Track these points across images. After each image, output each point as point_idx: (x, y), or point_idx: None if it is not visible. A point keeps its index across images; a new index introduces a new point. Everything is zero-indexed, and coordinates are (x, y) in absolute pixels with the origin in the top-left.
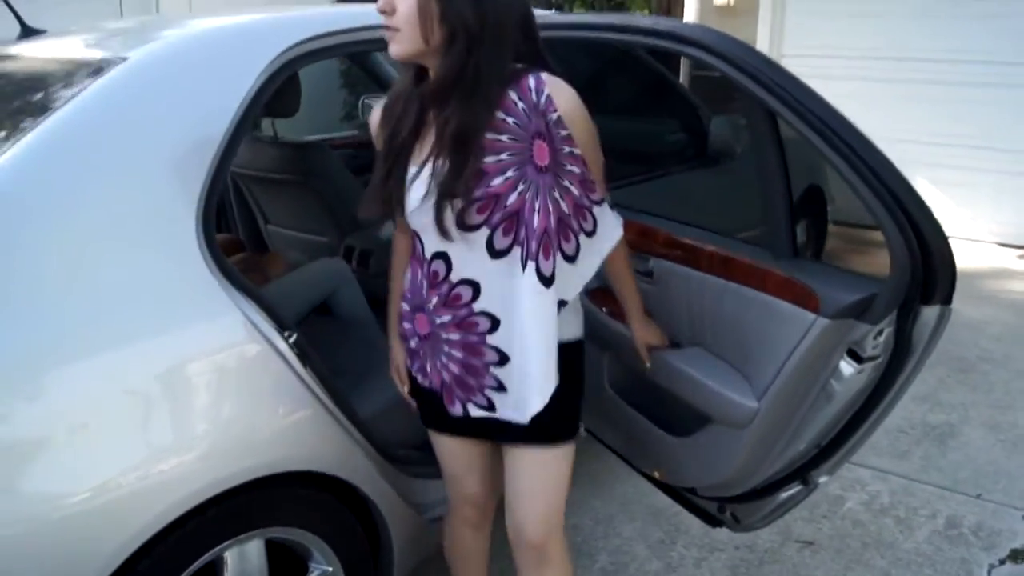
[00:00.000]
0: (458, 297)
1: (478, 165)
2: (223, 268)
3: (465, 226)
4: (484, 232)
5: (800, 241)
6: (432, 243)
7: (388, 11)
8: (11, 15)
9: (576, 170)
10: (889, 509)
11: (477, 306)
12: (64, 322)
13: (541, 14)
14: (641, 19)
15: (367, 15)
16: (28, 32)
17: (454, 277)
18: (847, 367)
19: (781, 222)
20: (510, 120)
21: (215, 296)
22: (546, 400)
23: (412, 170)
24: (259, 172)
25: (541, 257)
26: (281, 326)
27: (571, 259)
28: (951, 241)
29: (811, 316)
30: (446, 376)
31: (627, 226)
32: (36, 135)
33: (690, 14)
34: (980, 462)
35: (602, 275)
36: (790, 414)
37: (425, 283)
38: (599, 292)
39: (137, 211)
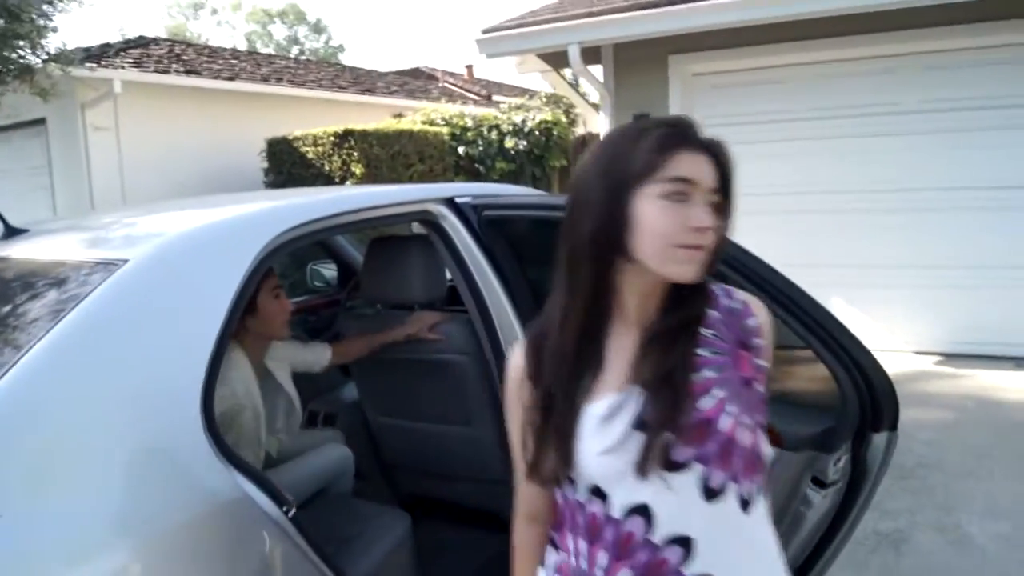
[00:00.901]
0: (663, 563)
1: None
2: (223, 449)
3: (672, 465)
4: (697, 469)
5: None
6: (623, 496)
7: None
8: None
9: (762, 389)
10: None
11: (689, 571)
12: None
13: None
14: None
15: (338, 201)
16: (11, 232)
17: (658, 537)
18: (814, 494)
19: None
20: (708, 332)
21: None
22: None
23: (600, 405)
24: None
25: (761, 493)
26: (279, 502)
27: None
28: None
29: (776, 451)
30: None
31: None
32: (47, 342)
33: None
34: (934, 565)
35: None
36: None
37: (606, 557)
38: None
39: (148, 402)
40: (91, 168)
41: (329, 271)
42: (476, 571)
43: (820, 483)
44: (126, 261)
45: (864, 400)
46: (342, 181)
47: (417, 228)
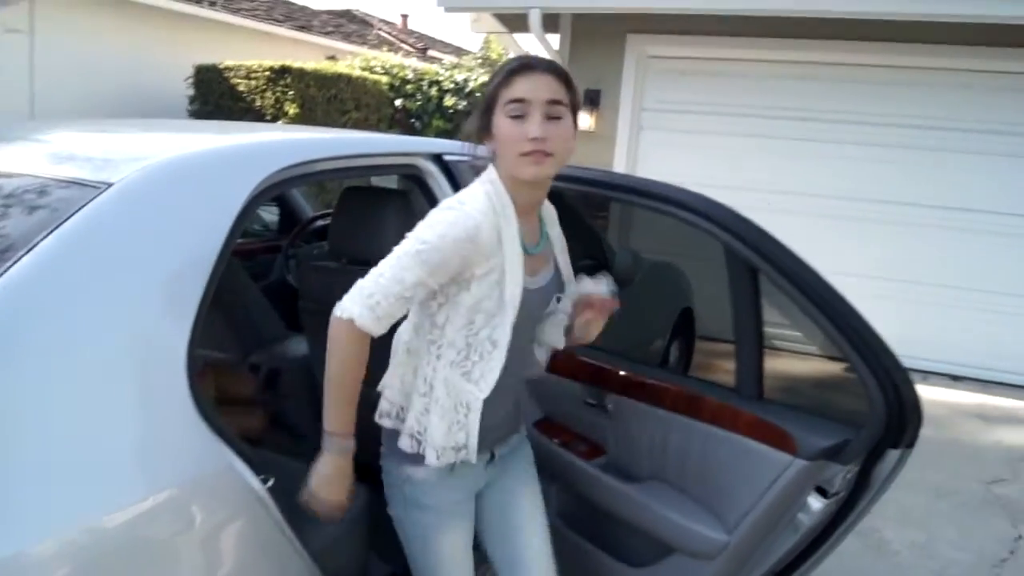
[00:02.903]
0: None
1: None
2: (205, 413)
3: None
4: None
5: (674, 357)
6: None
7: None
8: None
9: None
10: None
11: None
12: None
13: None
14: (652, 184)
15: (335, 144)
16: None
17: None
18: (815, 502)
19: (751, 367)
20: None
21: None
22: None
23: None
24: None
25: None
26: (257, 471)
27: None
28: None
29: (788, 457)
30: None
31: (579, 365)
32: (20, 268)
33: None
34: (853, 569)
35: (546, 405)
36: (757, 545)
37: None
38: (547, 423)
39: (128, 345)
40: None
41: (269, 215)
42: None
43: (824, 492)
44: (109, 184)
45: (892, 416)
46: (274, 119)
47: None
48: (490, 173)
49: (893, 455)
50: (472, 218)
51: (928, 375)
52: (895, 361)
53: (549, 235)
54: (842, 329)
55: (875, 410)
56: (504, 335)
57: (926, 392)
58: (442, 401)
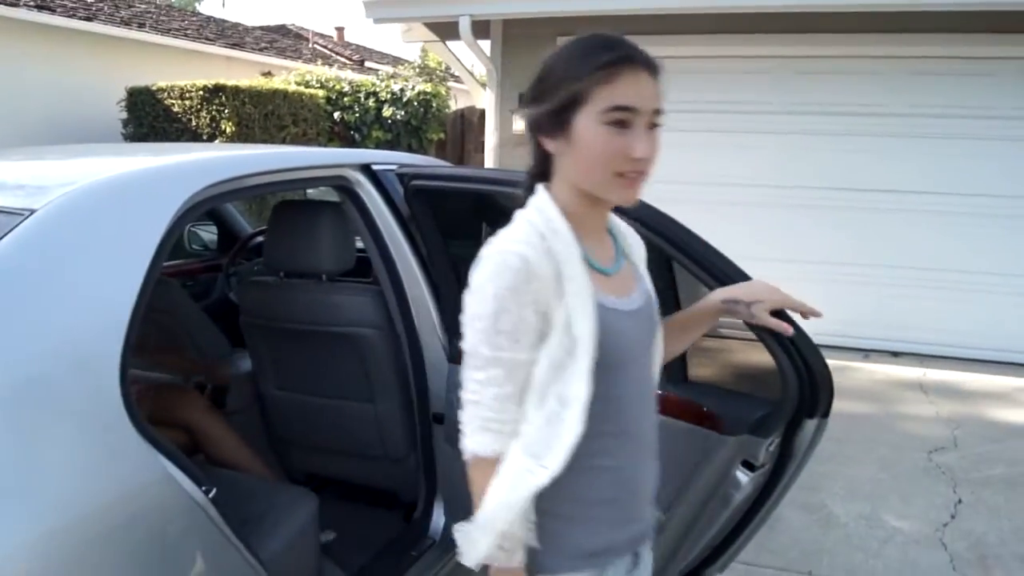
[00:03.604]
0: None
1: None
2: (142, 429)
3: None
4: None
5: None
6: None
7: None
8: None
9: None
10: None
11: None
12: None
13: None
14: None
15: (261, 159)
16: None
17: None
18: (743, 476)
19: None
20: None
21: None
22: None
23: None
24: None
25: None
26: (198, 482)
27: None
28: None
29: (715, 435)
30: None
31: None
32: None
33: (490, 141)
34: (804, 541)
35: None
36: (692, 522)
37: None
38: None
39: (60, 367)
40: None
41: (208, 234)
42: (379, 551)
43: (750, 466)
44: (32, 211)
45: (804, 387)
46: (211, 138)
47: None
48: (538, 199)
49: (811, 425)
50: (510, 253)
51: (870, 352)
52: (803, 335)
53: (627, 249)
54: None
55: (788, 383)
56: (579, 387)
57: (870, 368)
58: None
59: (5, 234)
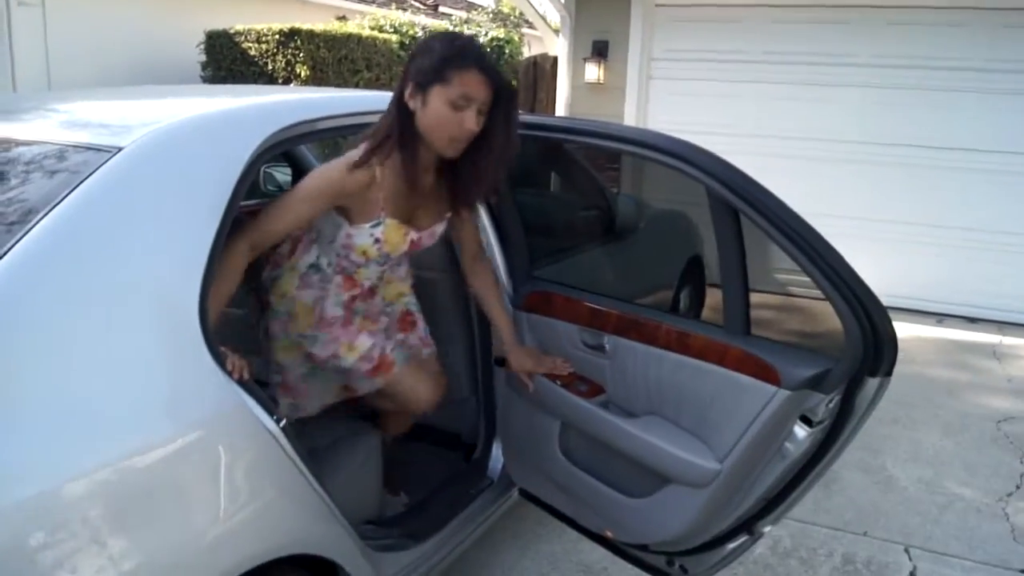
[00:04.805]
0: None
1: None
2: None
3: None
4: None
5: (684, 304)
6: None
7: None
8: None
9: None
10: (792, 552)
11: None
12: (63, 409)
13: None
14: (626, 129)
15: (333, 103)
16: None
17: None
18: (800, 431)
19: (738, 304)
20: None
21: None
22: None
23: None
24: None
25: None
26: (270, 412)
27: None
28: None
29: (772, 388)
30: None
31: (578, 308)
32: (41, 229)
33: (562, 90)
34: (861, 503)
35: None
36: (747, 474)
37: None
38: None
39: (144, 297)
40: (13, 49)
41: (283, 175)
42: (439, 486)
43: (809, 421)
44: (120, 149)
45: (868, 344)
46: (286, 82)
47: None
48: None
49: (872, 383)
50: None
51: (944, 317)
52: (869, 293)
53: None
54: (817, 265)
55: (852, 340)
56: None
57: (943, 332)
58: None
59: (95, 170)
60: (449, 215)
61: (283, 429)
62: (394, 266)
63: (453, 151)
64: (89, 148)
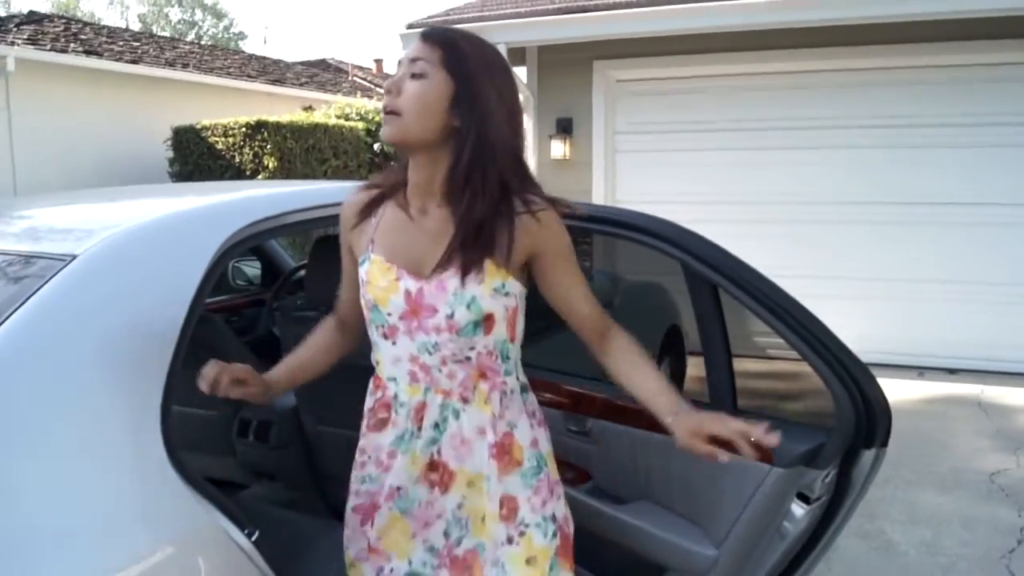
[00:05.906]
0: None
1: None
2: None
3: None
4: None
5: (666, 377)
6: None
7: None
8: None
9: None
10: None
11: None
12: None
13: None
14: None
15: (300, 196)
16: None
17: None
18: (798, 509)
19: (723, 378)
20: None
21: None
22: None
23: None
24: None
25: None
26: (240, 525)
27: None
28: None
29: (766, 467)
30: None
31: (562, 392)
32: None
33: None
34: (861, 572)
35: None
36: (747, 556)
37: None
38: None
39: (103, 415)
40: None
41: (252, 269)
42: None
43: (806, 498)
44: (74, 256)
45: (860, 416)
46: (254, 174)
47: None
48: None
49: (868, 455)
50: None
51: (925, 370)
52: (856, 361)
53: None
54: (800, 335)
55: (843, 413)
56: None
57: (925, 386)
58: None
59: (48, 280)
60: (476, 270)
61: (255, 544)
62: (445, 354)
63: (386, 128)
64: (41, 257)
